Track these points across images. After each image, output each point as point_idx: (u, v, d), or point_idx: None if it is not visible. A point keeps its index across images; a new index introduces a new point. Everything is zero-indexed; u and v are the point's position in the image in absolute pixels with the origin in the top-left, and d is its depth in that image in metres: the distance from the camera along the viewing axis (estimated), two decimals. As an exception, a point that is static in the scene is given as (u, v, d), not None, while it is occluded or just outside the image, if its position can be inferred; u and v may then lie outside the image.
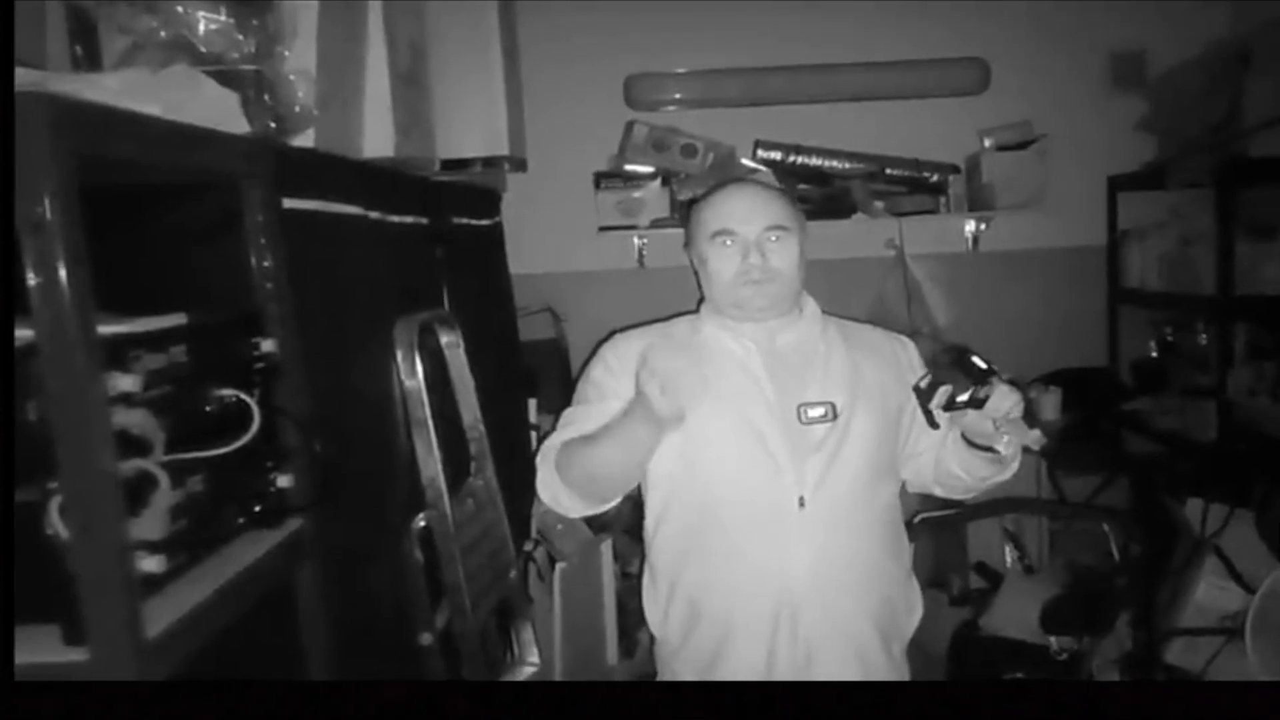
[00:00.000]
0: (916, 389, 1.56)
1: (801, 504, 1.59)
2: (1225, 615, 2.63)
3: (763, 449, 1.62)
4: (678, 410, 1.46)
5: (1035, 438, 1.54)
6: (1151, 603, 2.77)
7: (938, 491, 1.85)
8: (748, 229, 1.67)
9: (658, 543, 1.73)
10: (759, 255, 1.66)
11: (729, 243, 1.68)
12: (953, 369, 1.53)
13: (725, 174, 3.33)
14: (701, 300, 1.82)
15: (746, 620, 1.62)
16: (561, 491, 1.69)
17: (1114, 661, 2.75)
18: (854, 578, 1.63)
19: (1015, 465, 1.67)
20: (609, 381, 1.71)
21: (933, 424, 1.57)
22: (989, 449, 1.60)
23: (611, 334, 1.83)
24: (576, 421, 1.71)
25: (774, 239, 1.67)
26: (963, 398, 1.50)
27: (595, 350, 1.82)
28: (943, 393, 1.51)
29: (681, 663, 1.70)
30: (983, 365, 1.52)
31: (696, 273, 1.79)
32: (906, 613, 1.76)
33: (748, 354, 1.70)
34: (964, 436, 1.62)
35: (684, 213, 1.86)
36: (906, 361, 1.81)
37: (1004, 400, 1.49)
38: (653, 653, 1.83)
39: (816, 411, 1.64)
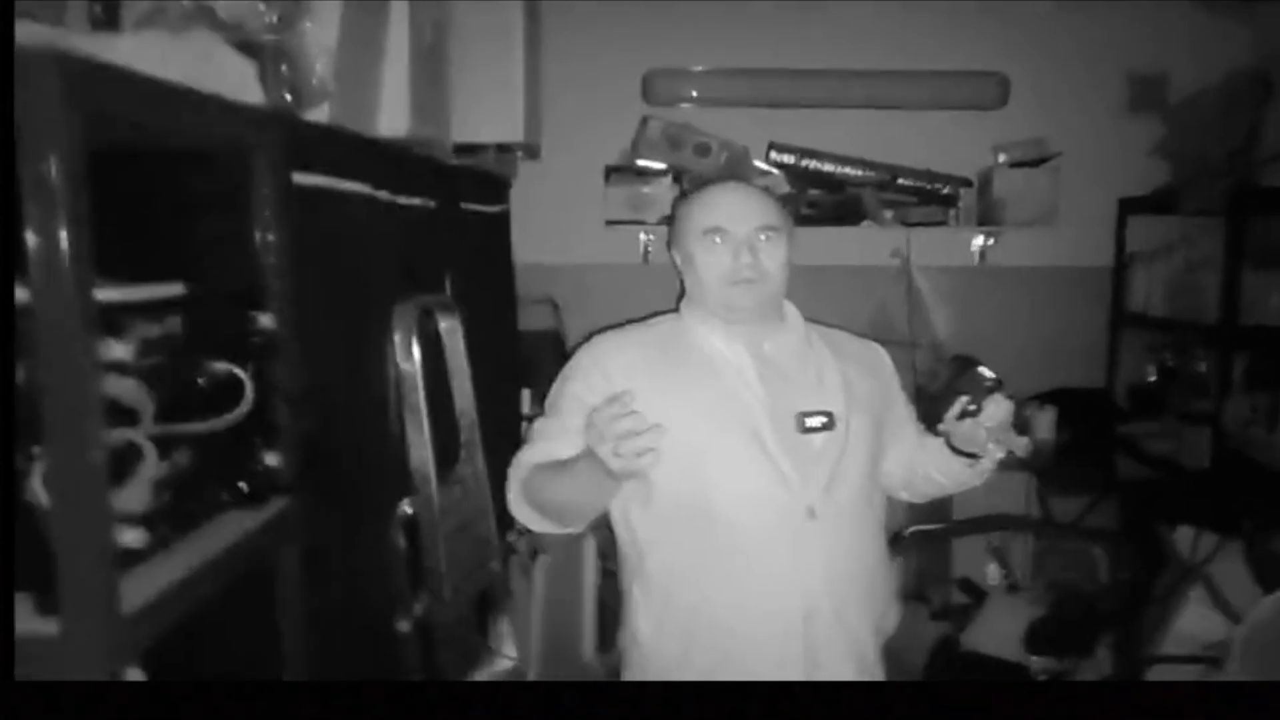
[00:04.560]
0: (931, 398, 1.62)
1: (811, 514, 1.58)
2: (1208, 644, 2.62)
3: (767, 458, 1.59)
4: (637, 469, 1.34)
5: (1023, 444, 1.59)
6: (1134, 627, 2.77)
7: (904, 496, 1.88)
8: (739, 227, 1.65)
9: (656, 557, 1.66)
10: (749, 254, 1.64)
11: (719, 240, 1.66)
12: (965, 380, 1.58)
13: (737, 174, 3.32)
14: (680, 298, 1.80)
15: (759, 631, 1.59)
16: (530, 515, 1.68)
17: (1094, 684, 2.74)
18: (861, 585, 1.64)
19: (989, 471, 1.70)
20: (588, 397, 1.59)
21: (937, 432, 1.64)
22: (972, 455, 1.63)
23: (591, 335, 1.77)
24: (550, 436, 1.66)
25: (764, 239, 1.66)
26: (972, 408, 1.56)
27: (575, 351, 1.76)
28: (960, 404, 1.57)
29: (678, 672, 1.65)
30: (991, 376, 1.58)
31: (680, 271, 1.77)
32: (889, 612, 1.78)
33: (738, 358, 1.67)
34: (948, 444, 1.65)
35: (673, 209, 1.80)
36: (883, 368, 1.84)
37: (1000, 409, 1.56)
38: (627, 657, 1.76)
39: (815, 421, 1.63)
